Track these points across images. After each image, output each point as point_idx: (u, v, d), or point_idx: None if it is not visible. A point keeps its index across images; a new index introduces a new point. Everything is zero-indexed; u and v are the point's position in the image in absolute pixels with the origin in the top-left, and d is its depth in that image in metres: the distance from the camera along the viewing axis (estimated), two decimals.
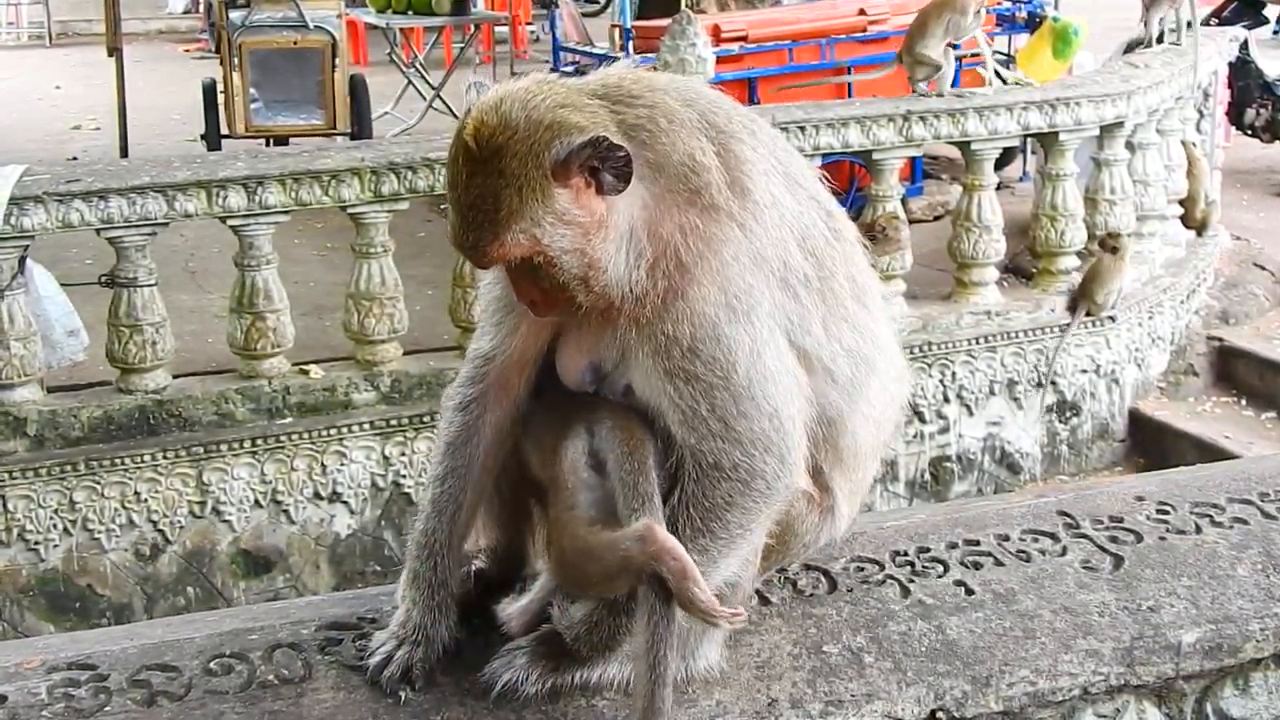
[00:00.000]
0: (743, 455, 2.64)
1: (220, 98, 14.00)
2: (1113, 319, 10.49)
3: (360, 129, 13.70)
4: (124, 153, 13.62)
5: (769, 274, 2.65)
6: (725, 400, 2.61)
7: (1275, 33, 21.08)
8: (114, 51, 14.39)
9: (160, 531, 8.62)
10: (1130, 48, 12.44)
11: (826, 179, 2.95)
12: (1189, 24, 12.18)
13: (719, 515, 2.66)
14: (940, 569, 3.23)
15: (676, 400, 2.63)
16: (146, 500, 8.54)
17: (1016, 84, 10.59)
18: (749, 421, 2.63)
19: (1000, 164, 11.74)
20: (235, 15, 13.76)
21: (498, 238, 2.54)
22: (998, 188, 10.53)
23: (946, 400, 10.14)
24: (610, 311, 2.66)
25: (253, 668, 2.83)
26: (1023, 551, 3.31)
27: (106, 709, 2.70)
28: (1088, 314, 10.34)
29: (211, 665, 2.83)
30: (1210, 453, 9.78)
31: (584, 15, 17.61)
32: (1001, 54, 14.48)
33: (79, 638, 3.08)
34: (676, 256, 2.59)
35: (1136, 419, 10.88)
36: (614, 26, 14.90)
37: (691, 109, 2.69)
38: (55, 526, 8.43)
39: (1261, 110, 15.41)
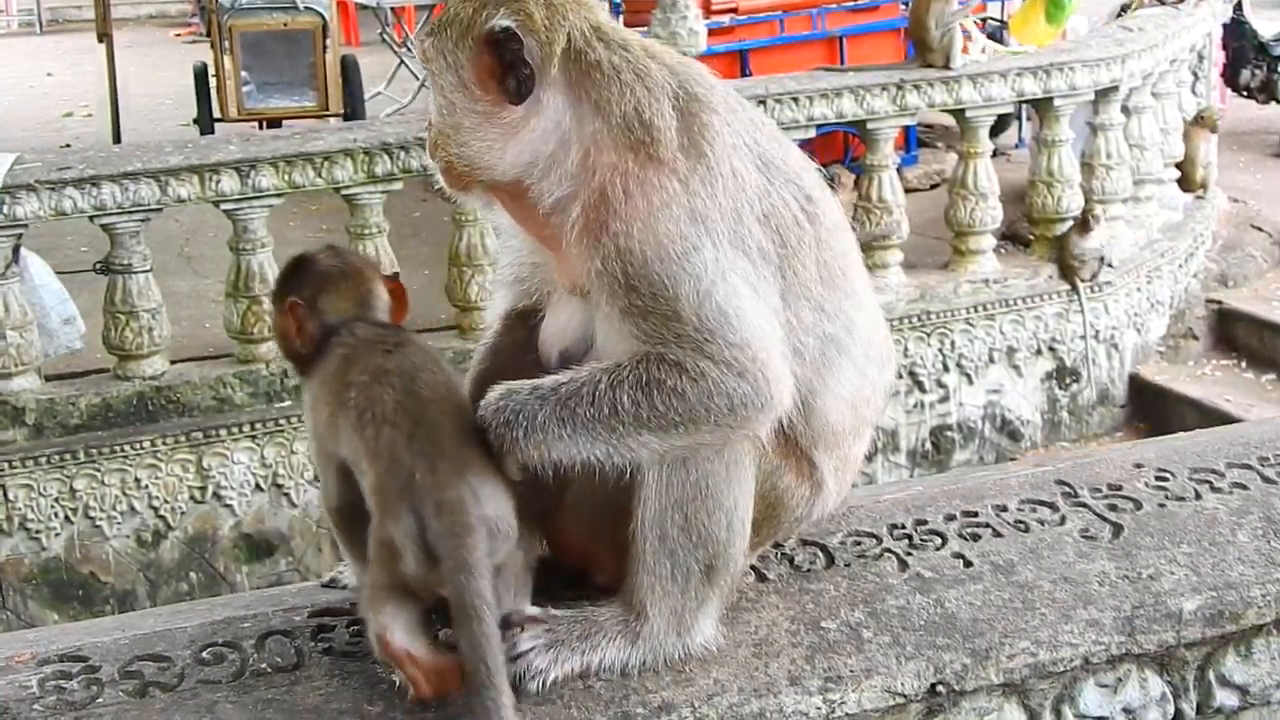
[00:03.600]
0: (713, 366, 2.61)
1: (212, 82, 13.95)
2: (1109, 283, 10.46)
3: (353, 110, 13.64)
4: (116, 139, 13.60)
5: (711, 231, 2.66)
6: (688, 330, 2.60)
7: None
8: (104, 37, 14.38)
9: (161, 518, 8.61)
10: (1122, 10, 12.40)
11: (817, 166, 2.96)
12: None
13: (665, 395, 2.60)
14: (938, 541, 3.21)
15: (644, 336, 2.62)
16: (147, 487, 8.53)
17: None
18: (717, 347, 2.61)
19: (995, 131, 11.71)
20: None
21: (431, 34, 2.75)
22: (993, 155, 10.49)
23: (946, 369, 10.12)
24: (541, 228, 2.76)
25: (245, 656, 2.80)
26: (1021, 522, 3.28)
27: (98, 700, 2.68)
28: (1081, 278, 10.32)
29: (204, 654, 2.81)
30: (1211, 416, 9.77)
31: None
32: (995, 20, 14.44)
33: (69, 629, 3.06)
34: (601, 191, 2.64)
35: (1137, 384, 10.87)
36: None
37: (674, 76, 2.74)
38: (56, 515, 8.43)
39: (1256, 71, 15.35)
